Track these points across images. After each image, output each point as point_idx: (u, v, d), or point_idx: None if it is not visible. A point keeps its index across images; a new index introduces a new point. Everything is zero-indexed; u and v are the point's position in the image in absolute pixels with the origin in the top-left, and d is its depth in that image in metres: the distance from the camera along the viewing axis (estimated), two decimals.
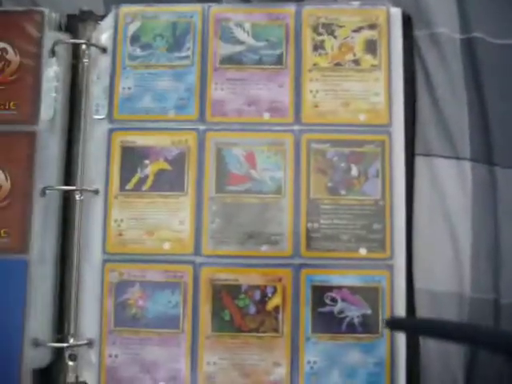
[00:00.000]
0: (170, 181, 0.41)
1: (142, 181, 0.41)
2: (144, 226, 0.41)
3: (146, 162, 0.41)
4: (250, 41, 0.42)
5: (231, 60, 0.42)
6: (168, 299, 0.40)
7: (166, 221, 0.41)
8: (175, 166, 0.41)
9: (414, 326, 0.33)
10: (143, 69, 0.42)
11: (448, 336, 0.30)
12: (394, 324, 0.35)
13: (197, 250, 0.40)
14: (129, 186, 0.41)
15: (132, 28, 0.43)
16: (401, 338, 0.39)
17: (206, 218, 0.40)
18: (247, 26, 0.42)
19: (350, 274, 0.39)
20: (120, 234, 0.41)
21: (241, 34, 0.42)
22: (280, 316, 0.39)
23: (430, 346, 0.39)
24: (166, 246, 0.40)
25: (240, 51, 0.42)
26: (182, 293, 0.40)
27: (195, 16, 0.43)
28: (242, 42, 0.42)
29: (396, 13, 0.42)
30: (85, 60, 0.43)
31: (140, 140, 0.42)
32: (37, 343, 0.40)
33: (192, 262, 0.40)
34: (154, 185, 0.41)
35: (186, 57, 0.42)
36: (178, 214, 0.41)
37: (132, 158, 0.42)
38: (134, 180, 0.41)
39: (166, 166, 0.41)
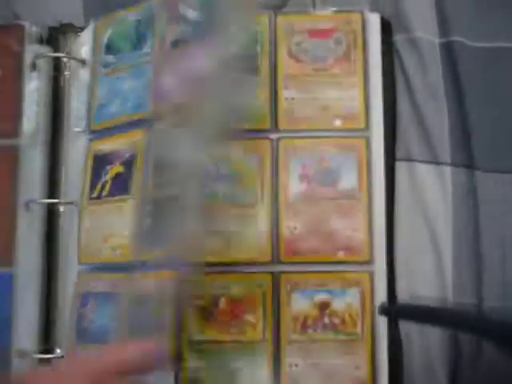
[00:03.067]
0: (121, 185, 0.39)
1: (103, 187, 0.40)
2: (102, 233, 0.39)
3: (108, 167, 0.40)
4: None
5: None
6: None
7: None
8: (127, 168, 0.40)
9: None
10: (113, 75, 0.42)
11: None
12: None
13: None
14: (94, 194, 0.40)
15: (106, 37, 0.42)
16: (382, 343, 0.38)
17: None
18: None
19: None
20: (88, 244, 0.40)
21: None
22: None
23: (412, 347, 0.38)
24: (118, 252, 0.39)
25: None
26: None
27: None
28: None
29: (374, 18, 0.41)
30: (66, 73, 0.43)
31: (106, 147, 0.41)
32: (23, 355, 0.40)
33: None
34: (111, 190, 0.40)
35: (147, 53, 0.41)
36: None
37: (100, 165, 0.41)
38: (98, 187, 0.40)
39: (121, 170, 0.40)
